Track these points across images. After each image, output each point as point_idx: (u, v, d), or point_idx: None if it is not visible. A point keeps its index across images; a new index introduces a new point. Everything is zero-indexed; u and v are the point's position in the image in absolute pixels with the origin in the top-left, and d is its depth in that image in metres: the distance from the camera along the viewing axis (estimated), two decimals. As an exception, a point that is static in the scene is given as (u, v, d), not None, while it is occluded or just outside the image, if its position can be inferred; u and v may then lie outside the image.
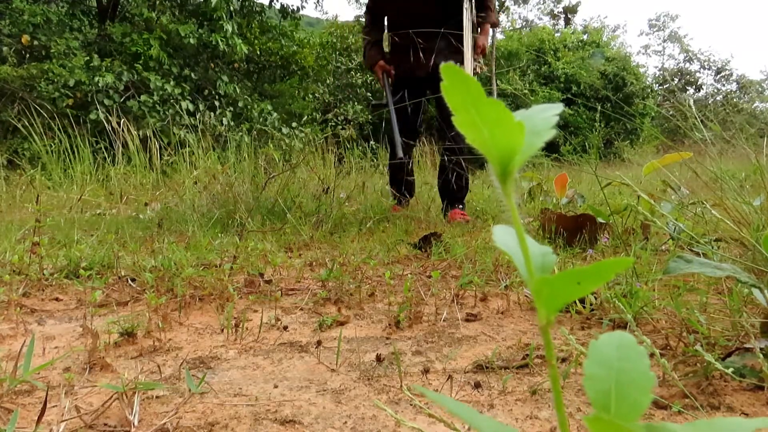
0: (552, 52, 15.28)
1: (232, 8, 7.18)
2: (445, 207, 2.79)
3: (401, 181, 2.93)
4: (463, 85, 0.19)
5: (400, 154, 2.45)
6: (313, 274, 1.52)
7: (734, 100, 21.88)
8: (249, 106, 7.32)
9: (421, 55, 2.70)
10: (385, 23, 2.85)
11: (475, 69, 2.69)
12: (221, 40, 6.82)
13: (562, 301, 0.20)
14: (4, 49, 5.98)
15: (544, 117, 0.22)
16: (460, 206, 2.75)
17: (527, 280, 0.21)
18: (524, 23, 26.14)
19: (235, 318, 1.11)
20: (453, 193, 2.77)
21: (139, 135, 3.94)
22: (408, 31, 2.74)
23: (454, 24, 2.70)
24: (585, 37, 16.82)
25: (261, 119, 7.27)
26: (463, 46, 2.64)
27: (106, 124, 4.06)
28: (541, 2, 26.58)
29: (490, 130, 0.20)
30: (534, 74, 14.69)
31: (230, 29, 6.89)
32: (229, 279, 1.33)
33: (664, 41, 30.26)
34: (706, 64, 25.62)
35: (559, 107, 0.23)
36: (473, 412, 0.25)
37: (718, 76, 25.00)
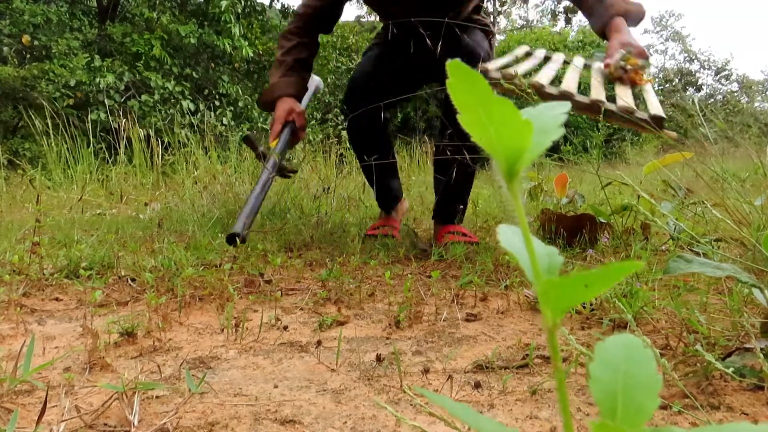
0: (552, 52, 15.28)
1: (239, 10, 7.18)
2: (439, 218, 1.99)
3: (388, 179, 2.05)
4: (469, 83, 0.19)
5: (238, 229, 1.66)
6: (313, 274, 1.52)
7: (735, 100, 21.88)
8: (249, 106, 7.33)
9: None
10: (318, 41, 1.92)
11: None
12: (228, 44, 6.82)
13: (569, 304, 0.20)
14: (5, 49, 5.98)
15: (552, 115, 0.22)
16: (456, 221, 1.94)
17: (533, 282, 0.21)
18: (525, 23, 26.15)
19: (235, 318, 1.11)
20: (450, 205, 1.94)
21: (140, 135, 3.95)
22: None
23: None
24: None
25: (261, 119, 7.28)
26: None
27: (111, 124, 4.07)
28: (541, 2, 26.62)
29: (496, 129, 0.19)
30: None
31: (238, 32, 6.89)
32: (229, 279, 1.33)
33: (666, 40, 30.23)
34: (706, 64, 25.60)
35: (566, 105, 0.22)
36: (472, 412, 0.25)
37: (718, 76, 24.99)
